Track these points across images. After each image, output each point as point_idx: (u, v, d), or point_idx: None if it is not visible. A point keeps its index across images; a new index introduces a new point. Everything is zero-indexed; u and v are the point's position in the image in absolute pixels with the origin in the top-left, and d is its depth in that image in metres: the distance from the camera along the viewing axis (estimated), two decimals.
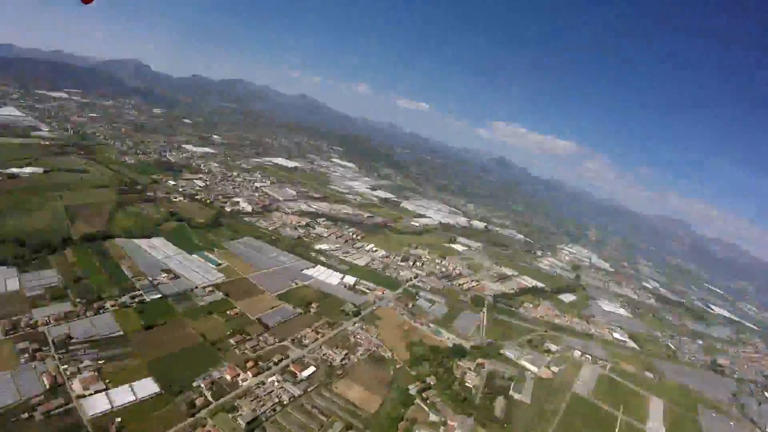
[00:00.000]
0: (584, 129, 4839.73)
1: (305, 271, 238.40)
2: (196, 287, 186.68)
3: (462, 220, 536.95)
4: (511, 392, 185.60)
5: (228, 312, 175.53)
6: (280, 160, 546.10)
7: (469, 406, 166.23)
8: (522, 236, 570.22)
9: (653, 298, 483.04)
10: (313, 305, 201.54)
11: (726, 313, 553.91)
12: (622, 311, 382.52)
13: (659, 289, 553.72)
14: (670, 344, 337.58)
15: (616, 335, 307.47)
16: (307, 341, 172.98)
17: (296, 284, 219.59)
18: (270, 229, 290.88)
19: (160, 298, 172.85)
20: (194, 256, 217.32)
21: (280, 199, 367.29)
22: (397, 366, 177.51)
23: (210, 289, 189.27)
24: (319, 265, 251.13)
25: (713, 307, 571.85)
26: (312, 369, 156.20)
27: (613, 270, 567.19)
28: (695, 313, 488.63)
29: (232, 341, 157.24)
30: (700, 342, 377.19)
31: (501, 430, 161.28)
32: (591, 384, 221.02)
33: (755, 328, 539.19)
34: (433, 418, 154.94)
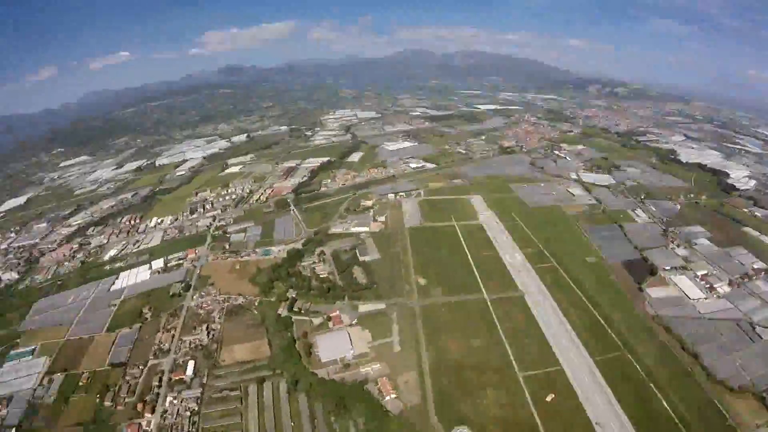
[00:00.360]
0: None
1: (114, 288, 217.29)
2: (34, 391, 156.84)
3: (222, 144, 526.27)
4: (360, 258, 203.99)
5: (79, 383, 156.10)
6: None
7: (336, 291, 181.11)
8: (285, 127, 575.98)
9: (426, 121, 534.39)
10: (145, 311, 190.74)
11: (491, 106, 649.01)
12: (407, 144, 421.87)
13: (428, 112, 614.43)
14: (461, 150, 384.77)
15: (413, 165, 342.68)
16: (166, 345, 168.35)
17: (115, 306, 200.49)
18: (48, 279, 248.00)
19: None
20: (6, 364, 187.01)
21: (35, 241, 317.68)
22: (256, 303, 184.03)
23: (46, 381, 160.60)
24: (121, 273, 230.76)
25: (479, 106, 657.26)
26: (191, 363, 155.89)
27: (380, 115, 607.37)
28: (467, 117, 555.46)
29: (107, 403, 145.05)
30: (483, 137, 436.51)
31: (375, 293, 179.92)
32: (417, 213, 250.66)
33: (519, 107, 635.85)
34: (317, 320, 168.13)
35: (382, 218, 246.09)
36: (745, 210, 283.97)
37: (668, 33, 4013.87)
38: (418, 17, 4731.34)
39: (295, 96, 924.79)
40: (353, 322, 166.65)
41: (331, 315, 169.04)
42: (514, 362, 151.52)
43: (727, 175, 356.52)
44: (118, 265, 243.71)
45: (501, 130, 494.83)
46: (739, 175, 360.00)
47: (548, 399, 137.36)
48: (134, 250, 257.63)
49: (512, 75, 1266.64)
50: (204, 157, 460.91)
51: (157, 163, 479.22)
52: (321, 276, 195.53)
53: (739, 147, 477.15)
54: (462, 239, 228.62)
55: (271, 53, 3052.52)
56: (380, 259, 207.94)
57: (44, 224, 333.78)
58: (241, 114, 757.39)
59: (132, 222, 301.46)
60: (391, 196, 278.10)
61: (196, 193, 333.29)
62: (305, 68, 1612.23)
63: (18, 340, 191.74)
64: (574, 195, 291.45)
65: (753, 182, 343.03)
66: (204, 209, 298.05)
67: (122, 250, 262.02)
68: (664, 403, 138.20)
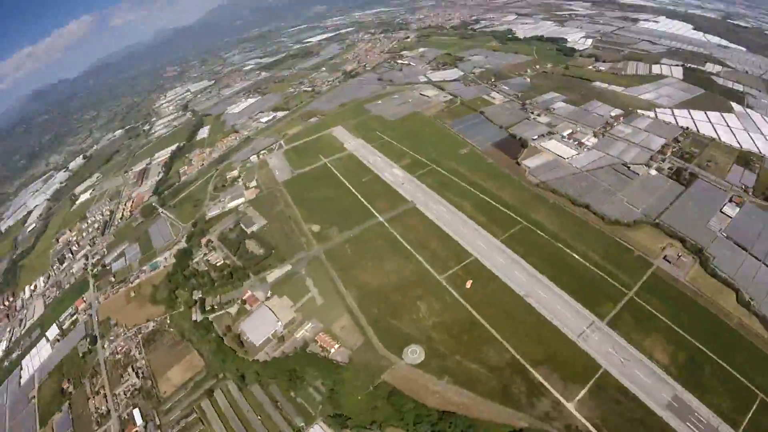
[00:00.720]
0: None
1: (23, 382, 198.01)
2: None
3: (61, 176, 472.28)
4: (248, 230, 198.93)
5: None
6: None
7: (239, 272, 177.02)
8: (120, 131, 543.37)
9: (262, 72, 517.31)
10: (65, 386, 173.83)
11: (323, 36, 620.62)
12: (250, 100, 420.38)
13: (261, 62, 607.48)
14: (306, 89, 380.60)
15: (264, 119, 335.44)
16: (103, 408, 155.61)
17: (34, 397, 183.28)
18: None
19: None
20: None
21: None
22: (167, 321, 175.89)
23: None
24: (22, 361, 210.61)
25: (311, 39, 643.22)
26: (137, 412, 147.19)
27: (212, 81, 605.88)
28: (301, 53, 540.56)
29: None
30: (324, 69, 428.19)
31: (276, 257, 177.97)
32: (285, 165, 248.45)
33: (351, 29, 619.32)
34: (233, 309, 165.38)
35: (254, 183, 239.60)
36: (590, 68, 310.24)
37: None
38: None
39: (116, 93, 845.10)
40: (268, 296, 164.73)
41: (244, 298, 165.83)
42: (430, 269, 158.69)
43: (565, 40, 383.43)
44: (15, 355, 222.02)
45: (339, 56, 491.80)
46: (576, 38, 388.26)
47: (467, 285, 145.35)
48: (23, 332, 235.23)
49: None
50: (48, 199, 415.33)
51: (1, 229, 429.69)
52: (217, 264, 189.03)
53: (569, 12, 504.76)
54: (338, 173, 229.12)
55: (77, 58, 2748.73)
56: (268, 224, 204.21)
57: None
58: (67, 137, 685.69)
59: (6, 303, 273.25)
60: (253, 158, 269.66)
61: (57, 240, 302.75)
62: (118, 61, 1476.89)
63: None
64: (429, 96, 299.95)
65: (590, 41, 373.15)
66: (72, 252, 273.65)
67: (11, 338, 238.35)
68: (576, 256, 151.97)
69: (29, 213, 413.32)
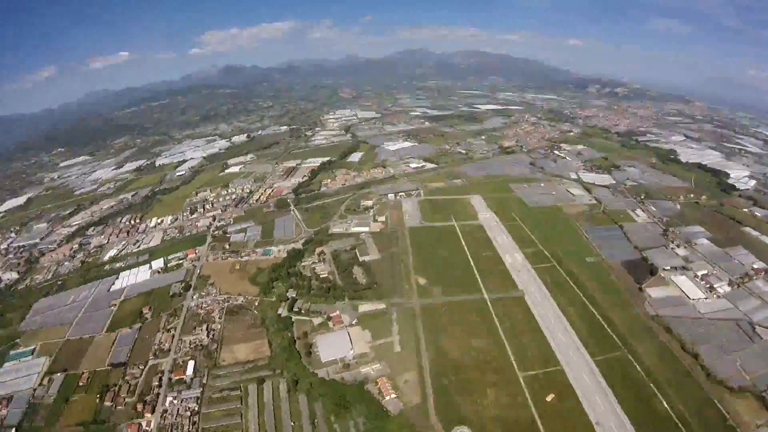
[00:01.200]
0: (302, 6, 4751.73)
1: (114, 288, 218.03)
2: (33, 391, 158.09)
3: (222, 144, 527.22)
4: (361, 258, 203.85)
5: (79, 384, 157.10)
6: None
7: (336, 291, 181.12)
8: (285, 127, 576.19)
9: (426, 121, 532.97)
10: (145, 311, 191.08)
11: (491, 107, 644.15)
12: (407, 143, 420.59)
13: (427, 112, 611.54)
14: (461, 150, 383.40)
15: (413, 165, 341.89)
16: (166, 345, 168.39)
17: (115, 306, 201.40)
18: (48, 279, 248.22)
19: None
20: (6, 365, 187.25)
21: (31, 242, 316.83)
22: (256, 303, 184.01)
23: (46, 380, 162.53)
24: (121, 273, 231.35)
25: (478, 106, 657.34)
26: (191, 363, 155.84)
27: (380, 115, 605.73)
28: (466, 116, 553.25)
29: (107, 404, 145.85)
30: (483, 137, 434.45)
31: (375, 293, 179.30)
32: (417, 214, 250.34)
33: (519, 107, 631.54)
34: (316, 320, 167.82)
35: (382, 218, 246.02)
36: (745, 210, 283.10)
37: (668, 33, 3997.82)
38: (417, 17, 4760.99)
39: (295, 96, 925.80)
40: (353, 322, 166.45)
41: (331, 315, 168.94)
42: (514, 362, 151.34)
43: (727, 175, 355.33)
44: (118, 265, 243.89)
45: (501, 130, 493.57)
46: (739, 175, 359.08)
47: (548, 399, 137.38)
48: (134, 250, 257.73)
49: (512, 75, 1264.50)
50: (204, 157, 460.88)
51: (157, 163, 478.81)
52: (321, 276, 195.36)
53: (739, 147, 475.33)
54: (462, 239, 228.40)
55: (271, 53, 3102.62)
56: (380, 259, 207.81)
57: (44, 224, 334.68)
58: (240, 114, 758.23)
59: (132, 222, 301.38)
60: (391, 196, 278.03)
61: (197, 193, 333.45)
62: (305, 68, 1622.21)
63: (18, 340, 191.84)
64: (574, 195, 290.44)
65: (753, 182, 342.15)
66: (204, 209, 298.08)
67: (122, 250, 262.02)
68: (664, 403, 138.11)
69: (183, 161, 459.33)
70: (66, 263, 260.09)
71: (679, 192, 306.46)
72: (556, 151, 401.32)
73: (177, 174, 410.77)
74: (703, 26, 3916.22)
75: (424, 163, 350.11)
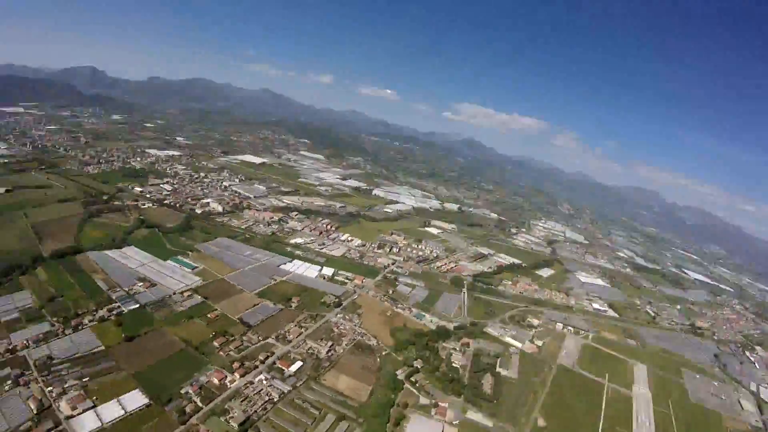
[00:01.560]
0: (551, 106, 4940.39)
1: (283, 267, 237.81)
2: (174, 293, 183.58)
3: (434, 203, 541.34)
4: (498, 369, 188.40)
5: (208, 315, 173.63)
6: (248, 157, 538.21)
7: (458, 386, 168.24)
8: (495, 215, 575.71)
9: (629, 267, 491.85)
10: (293, 300, 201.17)
11: (701, 277, 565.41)
12: (599, 281, 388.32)
13: (634, 258, 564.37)
14: (649, 310, 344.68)
15: (596, 305, 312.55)
16: (291, 336, 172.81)
17: (274, 281, 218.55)
18: (243, 227, 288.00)
19: (138, 307, 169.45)
20: (169, 261, 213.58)
21: (251, 196, 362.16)
22: (383, 353, 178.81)
23: (188, 293, 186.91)
24: (295, 260, 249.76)
25: (688, 271, 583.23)
26: (299, 364, 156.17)
27: (587, 242, 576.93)
28: (671, 278, 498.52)
29: (215, 344, 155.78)
30: (679, 307, 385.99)
31: (491, 408, 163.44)
32: (575, 355, 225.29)
33: (730, 290, 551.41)
34: (423, 401, 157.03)
35: (540, 342, 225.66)
36: None
37: None
38: (661, 161, 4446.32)
39: (515, 191, 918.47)
40: (454, 422, 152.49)
41: (439, 404, 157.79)
42: None
43: None
44: (297, 252, 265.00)
45: (700, 307, 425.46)
46: None
47: None
48: (316, 249, 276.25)
49: (737, 252, 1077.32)
50: (414, 207, 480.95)
51: (373, 192, 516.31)
52: (453, 364, 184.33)
53: None
54: (603, 401, 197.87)
55: (513, 143, 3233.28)
56: (516, 380, 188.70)
57: (263, 187, 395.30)
58: (462, 186, 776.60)
59: (328, 227, 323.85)
60: (559, 325, 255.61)
61: (391, 233, 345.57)
62: (539, 168, 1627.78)
63: (189, 252, 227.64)
64: (743, 408, 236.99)
65: None
66: (390, 250, 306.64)
67: (307, 243, 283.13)
68: None
69: (396, 202, 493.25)
70: (261, 225, 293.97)
71: None
72: (747, 352, 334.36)
73: (385, 209, 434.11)
74: None
75: (607, 308, 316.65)
